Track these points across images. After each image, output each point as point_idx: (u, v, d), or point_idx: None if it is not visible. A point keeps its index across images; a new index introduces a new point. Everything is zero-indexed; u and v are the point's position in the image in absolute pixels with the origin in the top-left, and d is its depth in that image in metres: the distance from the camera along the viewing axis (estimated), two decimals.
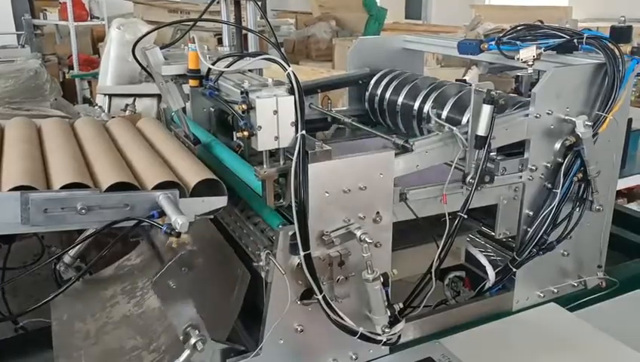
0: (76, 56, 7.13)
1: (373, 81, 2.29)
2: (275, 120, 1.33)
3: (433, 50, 2.64)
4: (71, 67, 7.24)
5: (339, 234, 1.41)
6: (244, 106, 1.33)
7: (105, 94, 4.04)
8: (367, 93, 2.29)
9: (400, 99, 2.13)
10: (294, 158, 1.33)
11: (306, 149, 1.35)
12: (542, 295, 1.88)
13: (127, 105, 2.49)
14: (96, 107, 3.25)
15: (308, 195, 1.37)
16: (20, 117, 2.05)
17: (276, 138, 1.35)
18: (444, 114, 1.87)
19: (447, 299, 1.92)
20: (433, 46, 2.38)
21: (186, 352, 1.38)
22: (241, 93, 1.35)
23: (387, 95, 2.19)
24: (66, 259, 1.99)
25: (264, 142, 1.34)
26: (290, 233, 1.38)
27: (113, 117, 2.27)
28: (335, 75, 2.89)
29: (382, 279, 1.45)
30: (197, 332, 1.39)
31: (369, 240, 1.39)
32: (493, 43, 1.89)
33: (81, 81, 6.97)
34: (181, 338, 1.40)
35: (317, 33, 7.70)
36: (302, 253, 1.35)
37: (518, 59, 1.79)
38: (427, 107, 1.98)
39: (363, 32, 7.84)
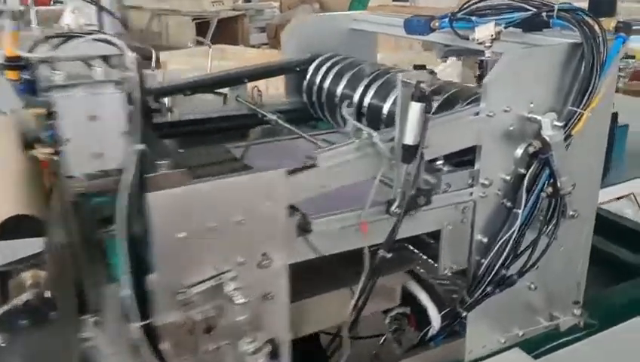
0: None
1: (311, 68, 1.93)
2: (94, 129, 0.91)
3: (382, 31, 2.27)
4: None
5: (201, 289, 1.00)
6: (44, 110, 0.90)
7: None
8: (305, 83, 1.93)
9: (339, 90, 1.79)
10: (122, 185, 0.90)
11: (144, 172, 0.92)
12: (503, 340, 1.50)
13: None
14: None
15: (151, 239, 0.95)
16: None
17: (98, 155, 0.92)
18: (386, 109, 1.54)
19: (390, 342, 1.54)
20: (382, 25, 2.03)
21: None
22: (44, 89, 0.92)
23: (326, 84, 1.85)
24: None
25: (77, 162, 0.91)
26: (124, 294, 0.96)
27: None
28: (270, 61, 2.49)
29: (270, 348, 1.04)
30: None
31: (240, 300, 0.97)
32: (446, 20, 1.57)
33: None
34: None
35: (299, 16, 7.39)
36: (138, 324, 0.94)
37: (472, 39, 1.47)
38: (367, 100, 1.65)
39: None
